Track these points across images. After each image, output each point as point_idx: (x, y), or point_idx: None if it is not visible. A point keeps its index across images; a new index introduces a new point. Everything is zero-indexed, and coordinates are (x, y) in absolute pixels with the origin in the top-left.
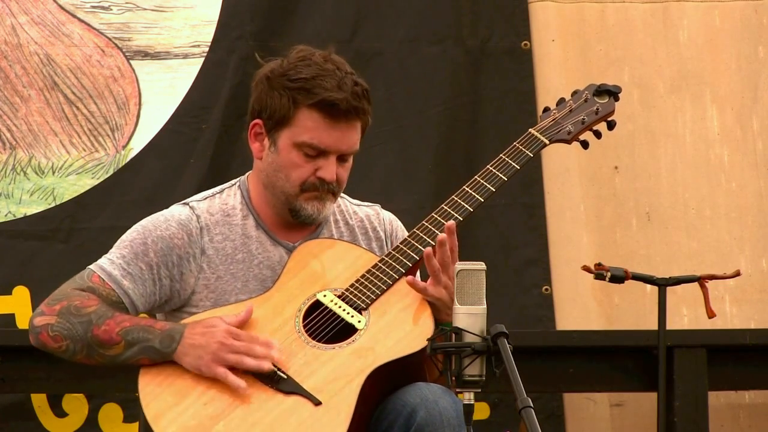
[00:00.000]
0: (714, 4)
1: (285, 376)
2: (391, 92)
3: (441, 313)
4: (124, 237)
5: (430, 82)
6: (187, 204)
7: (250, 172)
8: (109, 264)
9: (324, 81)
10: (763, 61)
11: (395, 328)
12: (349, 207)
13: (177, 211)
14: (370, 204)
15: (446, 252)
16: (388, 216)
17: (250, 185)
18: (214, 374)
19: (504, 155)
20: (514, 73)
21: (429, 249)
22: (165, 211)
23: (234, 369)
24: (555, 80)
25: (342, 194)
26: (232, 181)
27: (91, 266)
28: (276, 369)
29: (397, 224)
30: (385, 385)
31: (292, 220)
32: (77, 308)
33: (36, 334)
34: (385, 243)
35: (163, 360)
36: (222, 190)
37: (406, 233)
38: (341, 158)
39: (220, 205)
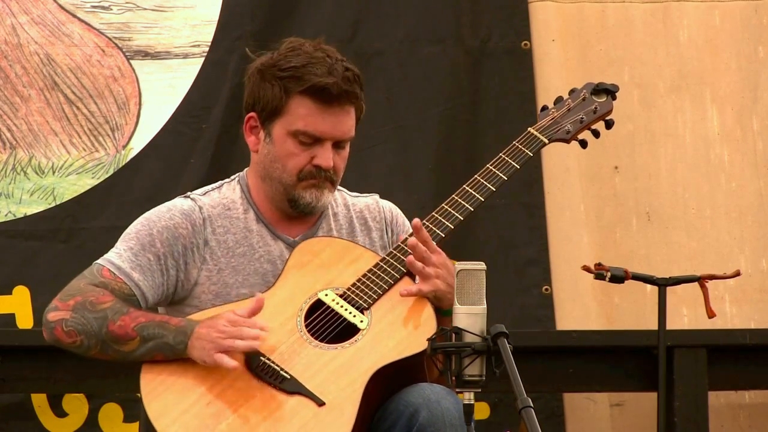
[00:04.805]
0: (714, 4)
1: (288, 376)
2: (391, 92)
3: (443, 301)
4: (128, 230)
5: (430, 82)
6: (189, 196)
7: (248, 167)
8: (118, 257)
9: (314, 68)
10: (763, 61)
11: (397, 328)
12: (348, 199)
13: (179, 203)
14: (369, 194)
15: (419, 249)
16: (387, 204)
17: (249, 180)
18: (214, 361)
19: (504, 154)
20: (514, 73)
21: (410, 257)
22: (167, 203)
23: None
24: (555, 80)
25: (340, 188)
26: (231, 177)
27: (99, 261)
28: (279, 368)
29: (397, 212)
30: (387, 385)
31: (292, 212)
32: (92, 304)
33: (50, 330)
34: (385, 231)
35: (176, 357)
36: (221, 185)
37: (407, 221)
38: (337, 145)
39: (220, 199)
